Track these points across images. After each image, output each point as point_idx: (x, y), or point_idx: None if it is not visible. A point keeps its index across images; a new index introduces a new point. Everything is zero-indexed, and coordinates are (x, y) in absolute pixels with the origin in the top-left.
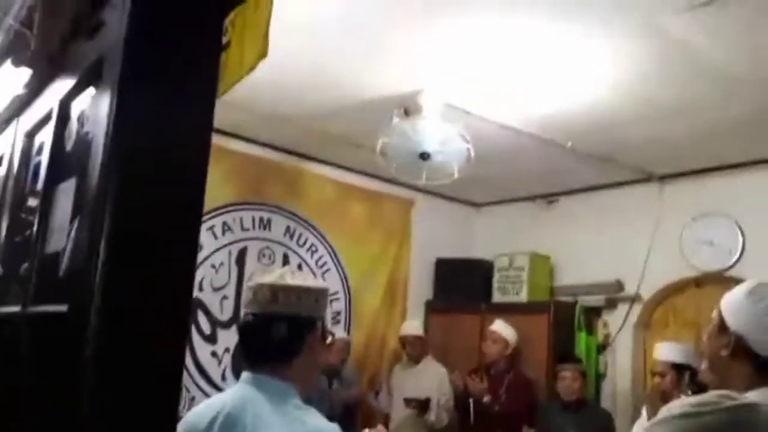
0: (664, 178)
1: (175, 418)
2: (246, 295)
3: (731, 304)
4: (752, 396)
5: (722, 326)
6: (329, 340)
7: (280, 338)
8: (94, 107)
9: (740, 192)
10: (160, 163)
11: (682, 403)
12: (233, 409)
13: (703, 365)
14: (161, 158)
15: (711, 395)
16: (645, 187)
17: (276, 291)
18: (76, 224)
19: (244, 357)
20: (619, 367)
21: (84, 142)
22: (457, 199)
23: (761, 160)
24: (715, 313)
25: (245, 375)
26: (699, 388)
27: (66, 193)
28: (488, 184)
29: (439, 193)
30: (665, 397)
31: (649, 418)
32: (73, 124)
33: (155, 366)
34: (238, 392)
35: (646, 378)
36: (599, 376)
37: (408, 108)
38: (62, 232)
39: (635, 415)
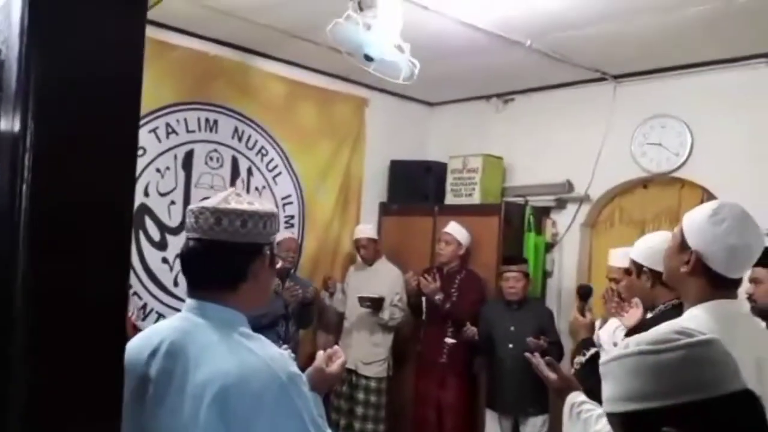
0: (618, 78)
1: (122, 356)
2: (188, 220)
3: (693, 223)
4: (703, 307)
5: (683, 244)
6: (278, 264)
7: (224, 265)
8: (5, 24)
9: (691, 94)
10: (86, 90)
11: (637, 340)
12: (177, 339)
13: (664, 276)
14: (86, 83)
15: (667, 332)
16: (599, 86)
17: (219, 216)
18: None
19: (188, 283)
20: (565, 265)
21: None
22: (411, 98)
23: (713, 61)
24: (676, 231)
25: (189, 302)
26: (585, 290)
27: None
28: (444, 82)
29: (393, 91)
30: (624, 300)
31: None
32: None
33: (96, 298)
34: (181, 320)
35: (590, 275)
36: (545, 274)
37: (362, 1)
38: None
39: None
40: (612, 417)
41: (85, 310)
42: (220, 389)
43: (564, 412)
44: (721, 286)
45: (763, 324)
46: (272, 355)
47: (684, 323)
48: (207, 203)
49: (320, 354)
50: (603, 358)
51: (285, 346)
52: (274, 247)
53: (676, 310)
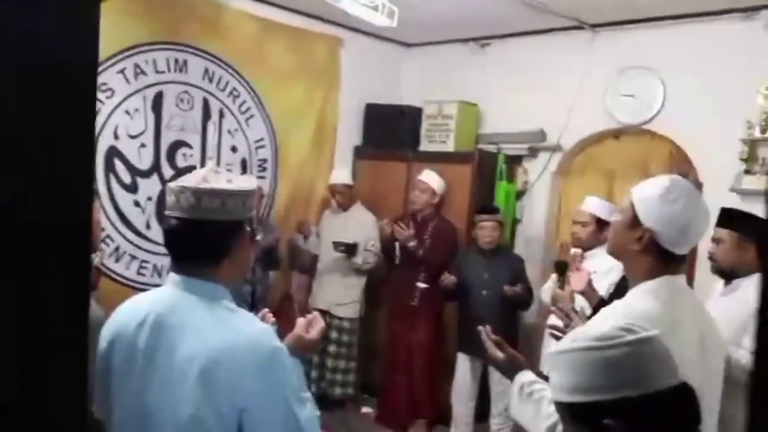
0: (596, 27)
1: (86, 316)
2: (168, 198)
3: (646, 201)
4: (653, 284)
5: (635, 221)
6: (259, 237)
7: (206, 242)
8: None
9: (667, 47)
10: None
11: (585, 336)
12: (163, 311)
13: (609, 248)
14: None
15: (613, 329)
16: (577, 34)
17: (199, 195)
18: None
19: (172, 259)
20: (535, 213)
21: None
22: (388, 39)
23: (690, 14)
24: (625, 206)
25: (173, 276)
26: (560, 265)
27: None
28: (421, 23)
29: (368, 31)
30: (581, 246)
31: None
32: None
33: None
34: (167, 294)
35: (559, 224)
36: (515, 222)
37: None
38: None
39: (546, 258)
40: (559, 405)
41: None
42: (205, 364)
43: (512, 392)
44: (671, 263)
45: (719, 285)
46: (256, 329)
47: (635, 302)
48: (187, 182)
49: (300, 321)
50: (553, 349)
51: (269, 314)
52: (253, 221)
53: None
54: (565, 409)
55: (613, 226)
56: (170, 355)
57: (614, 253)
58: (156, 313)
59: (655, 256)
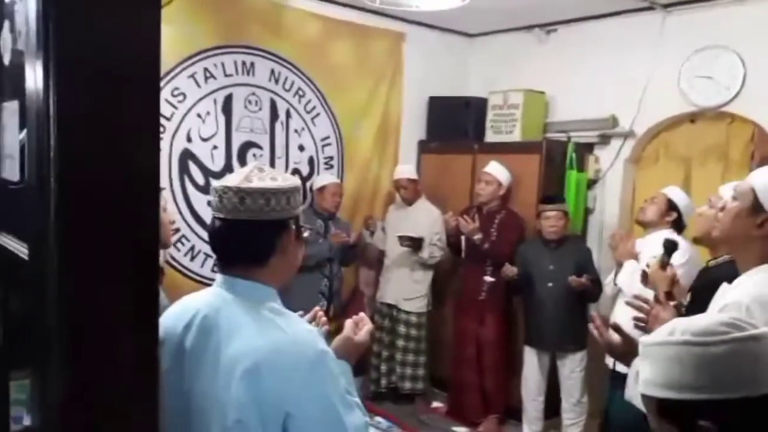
0: (667, 7)
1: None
2: (213, 199)
3: None
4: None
5: (756, 207)
6: (306, 234)
7: (251, 243)
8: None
9: (745, 24)
10: (106, 77)
11: (684, 328)
12: (209, 313)
13: (709, 224)
14: (106, 72)
15: (716, 323)
16: (647, 16)
17: (243, 196)
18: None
19: (218, 260)
20: (608, 202)
21: (19, 57)
22: (450, 30)
23: None
24: (745, 190)
25: (219, 277)
26: (671, 244)
27: (11, 113)
28: (484, 11)
29: (431, 23)
30: (642, 221)
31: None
32: (7, 36)
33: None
34: (213, 295)
35: (632, 212)
36: (587, 212)
37: None
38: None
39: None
40: (647, 399)
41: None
42: (250, 365)
43: (630, 375)
44: None
45: None
46: (301, 332)
47: (763, 289)
48: (230, 182)
49: (348, 323)
50: (646, 339)
51: (321, 313)
52: (299, 219)
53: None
54: (654, 405)
55: (728, 213)
56: (216, 357)
57: (729, 238)
58: (202, 314)
59: None
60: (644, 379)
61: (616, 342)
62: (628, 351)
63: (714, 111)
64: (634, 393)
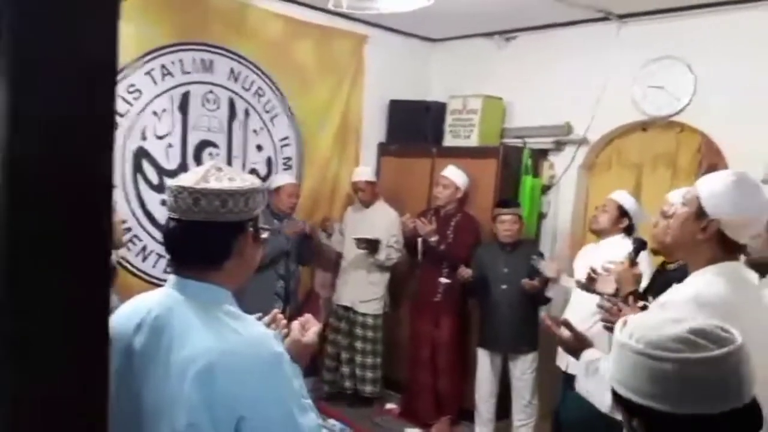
0: (623, 17)
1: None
2: (167, 198)
3: (714, 193)
4: (717, 269)
5: (700, 212)
6: (264, 236)
7: (206, 245)
8: None
9: (696, 36)
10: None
11: (641, 335)
12: (161, 314)
13: (663, 233)
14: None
15: (672, 339)
16: (603, 26)
17: (197, 197)
18: None
19: (171, 261)
20: (561, 207)
21: None
22: (412, 34)
23: (720, 2)
24: (690, 198)
25: (172, 278)
26: (640, 243)
27: None
28: (446, 16)
29: (393, 27)
30: (596, 229)
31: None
32: None
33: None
34: (166, 296)
35: (585, 217)
36: (541, 216)
37: None
38: None
39: (572, 253)
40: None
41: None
42: (202, 367)
43: (579, 369)
44: (732, 250)
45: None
46: (256, 334)
47: (699, 284)
48: (185, 182)
49: (295, 325)
50: (614, 338)
51: (280, 315)
52: (258, 220)
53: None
54: (612, 392)
55: (676, 218)
56: (167, 359)
57: (675, 242)
58: (154, 314)
59: (719, 244)
60: (609, 369)
61: (567, 338)
62: (578, 346)
63: (665, 120)
64: (585, 386)
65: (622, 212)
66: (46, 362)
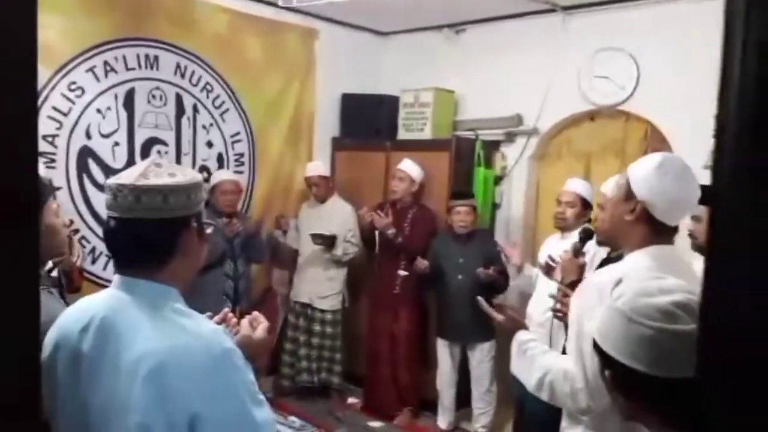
0: (568, 9)
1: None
2: (106, 196)
3: (639, 175)
4: (645, 252)
5: (629, 194)
6: (209, 231)
7: (149, 243)
8: None
9: (639, 27)
10: None
11: (627, 301)
12: (107, 315)
13: (602, 223)
14: None
15: (656, 308)
16: (549, 18)
17: (138, 194)
18: None
19: (114, 260)
20: (514, 197)
21: None
22: (362, 28)
23: None
24: (621, 181)
25: (117, 278)
26: (586, 233)
27: None
28: (395, 10)
29: (343, 21)
30: (564, 226)
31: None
32: None
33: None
34: (111, 297)
35: (537, 206)
36: (495, 206)
37: None
38: None
39: (525, 243)
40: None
41: None
42: (153, 366)
43: (512, 349)
44: (662, 233)
45: (699, 263)
46: (206, 331)
47: (628, 267)
48: (124, 179)
49: (243, 323)
50: (614, 294)
51: (231, 315)
52: (201, 216)
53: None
54: (593, 340)
55: (609, 201)
56: (116, 360)
57: (610, 226)
58: (100, 316)
59: (647, 226)
60: (596, 317)
61: (502, 321)
62: (513, 327)
63: (611, 109)
64: (516, 367)
65: (585, 204)
66: None
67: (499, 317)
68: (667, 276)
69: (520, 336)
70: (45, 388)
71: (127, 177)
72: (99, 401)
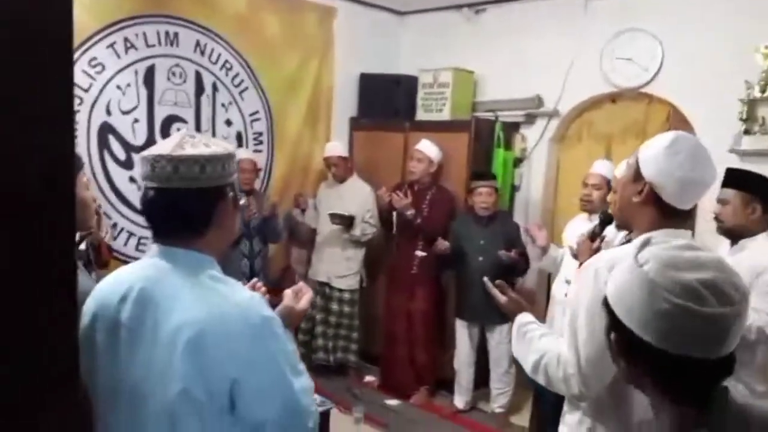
0: None
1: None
2: (143, 168)
3: (649, 155)
4: (654, 234)
5: (637, 175)
6: (242, 200)
7: (187, 213)
8: None
9: (663, 7)
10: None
11: (652, 267)
12: (146, 286)
13: (613, 206)
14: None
15: (681, 284)
16: None
17: (176, 164)
18: None
19: (153, 231)
20: (533, 180)
21: None
22: (381, 7)
23: None
24: (631, 161)
25: (155, 247)
26: (606, 217)
27: None
28: None
29: (362, 0)
30: (591, 208)
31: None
32: None
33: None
34: (150, 265)
35: (557, 189)
36: (514, 189)
37: None
38: None
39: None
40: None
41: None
42: (193, 335)
43: (513, 331)
44: (672, 216)
45: (726, 246)
46: (244, 298)
47: (622, 251)
48: (162, 150)
49: (287, 293)
50: (639, 257)
51: (259, 284)
52: (235, 186)
53: None
54: (604, 297)
55: (619, 181)
56: (156, 329)
57: (619, 207)
58: (138, 287)
59: (656, 209)
60: (612, 276)
61: (504, 302)
62: (515, 309)
63: (633, 92)
64: (516, 349)
65: (611, 187)
66: (12, 352)
67: (502, 298)
68: (703, 248)
69: (521, 318)
70: (83, 358)
71: (164, 148)
72: (138, 371)
